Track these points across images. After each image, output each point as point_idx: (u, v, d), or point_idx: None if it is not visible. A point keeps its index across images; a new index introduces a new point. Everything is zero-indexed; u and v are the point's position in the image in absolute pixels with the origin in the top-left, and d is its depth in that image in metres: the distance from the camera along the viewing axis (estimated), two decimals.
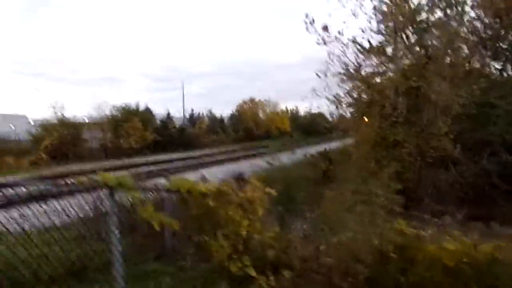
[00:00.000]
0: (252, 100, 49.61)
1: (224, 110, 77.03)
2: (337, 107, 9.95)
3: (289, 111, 53.16)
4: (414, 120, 9.81)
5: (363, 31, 9.66)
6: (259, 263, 3.97)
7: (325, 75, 9.76)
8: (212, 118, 47.16)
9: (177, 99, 64.23)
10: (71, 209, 5.07)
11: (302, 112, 51.63)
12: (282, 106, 52.96)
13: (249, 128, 45.47)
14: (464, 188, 8.79)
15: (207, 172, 14.29)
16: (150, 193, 4.24)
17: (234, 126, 46.47)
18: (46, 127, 26.59)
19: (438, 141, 9.39)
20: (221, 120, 48.52)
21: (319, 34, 9.54)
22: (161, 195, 5.27)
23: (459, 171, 9.26)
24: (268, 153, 11.90)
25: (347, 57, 9.66)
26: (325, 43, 9.47)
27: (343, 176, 9.39)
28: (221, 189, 3.71)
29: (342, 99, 9.79)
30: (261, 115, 49.83)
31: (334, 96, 9.58)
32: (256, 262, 3.97)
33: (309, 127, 50.68)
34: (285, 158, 12.10)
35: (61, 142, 24.91)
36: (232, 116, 49.53)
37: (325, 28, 9.52)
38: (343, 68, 9.64)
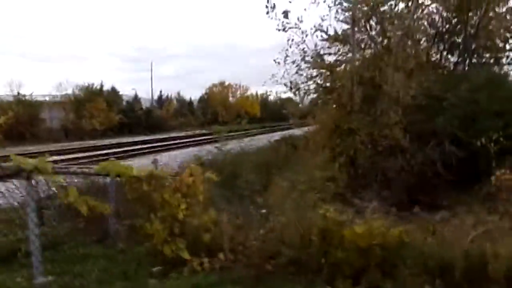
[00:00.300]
0: (222, 84, 49.17)
1: (196, 93, 76.02)
2: (295, 94, 10.11)
3: (259, 96, 53.13)
4: (368, 109, 10.15)
5: (322, 19, 9.78)
6: (195, 246, 4.09)
7: (284, 62, 9.85)
8: (181, 100, 46.39)
9: (148, 81, 62.60)
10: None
11: (272, 97, 51.76)
12: (254, 91, 52.90)
13: (218, 112, 45.16)
14: (409, 175, 9.26)
15: (168, 155, 14.20)
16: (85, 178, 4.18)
17: (203, 109, 45.99)
18: (1, 105, 25.25)
19: (390, 131, 9.78)
20: (190, 102, 47.79)
21: (279, 20, 9.58)
22: (105, 181, 5.25)
23: (407, 160, 9.71)
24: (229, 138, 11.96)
25: (306, 45, 9.78)
26: (284, 29, 9.53)
27: (295, 163, 9.65)
28: (154, 173, 3.75)
29: (301, 86, 9.95)
30: (231, 99, 49.55)
31: (291, 82, 9.73)
32: (193, 245, 4.09)
33: (279, 112, 50.96)
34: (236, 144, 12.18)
35: (17, 121, 23.77)
36: (201, 99, 48.93)
37: (285, 15, 9.55)
38: (301, 55, 9.77)
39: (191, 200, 4.30)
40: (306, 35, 9.61)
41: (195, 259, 3.86)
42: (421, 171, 9.75)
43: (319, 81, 10.94)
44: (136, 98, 41.10)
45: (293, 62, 9.84)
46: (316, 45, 9.84)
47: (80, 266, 3.56)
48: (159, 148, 18.22)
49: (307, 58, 9.94)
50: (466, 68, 14.12)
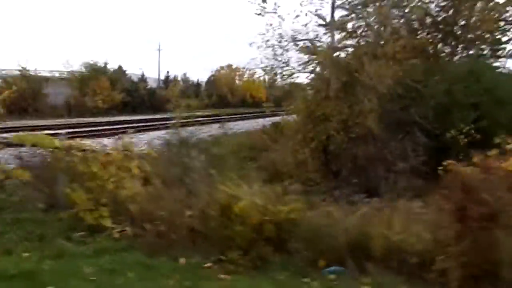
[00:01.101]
0: (229, 66, 49.10)
1: (206, 74, 76.19)
2: (271, 78, 10.20)
3: (266, 80, 52.91)
4: (344, 96, 10.20)
5: (301, 4, 9.77)
6: (122, 216, 4.38)
7: (264, 46, 9.94)
8: (187, 81, 46.60)
9: (164, 61, 63.01)
10: None
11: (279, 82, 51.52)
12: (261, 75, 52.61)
13: (223, 95, 45.25)
14: (379, 164, 9.35)
15: (155, 134, 14.52)
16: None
17: (208, 92, 46.10)
18: (6, 79, 25.83)
19: (364, 118, 9.83)
20: (197, 84, 47.95)
21: (258, 4, 9.61)
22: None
23: (379, 148, 9.79)
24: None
25: (283, 30, 9.83)
26: (261, 14, 9.57)
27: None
28: (72, 145, 4.00)
29: (277, 71, 10.05)
30: (237, 82, 49.49)
31: (266, 67, 9.83)
32: (119, 215, 4.38)
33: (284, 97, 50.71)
34: None
35: (21, 96, 24.34)
36: (208, 81, 49.04)
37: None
38: (278, 40, 9.83)
39: (124, 174, 4.56)
40: (283, 20, 9.64)
41: (117, 227, 4.15)
42: (392, 160, 9.86)
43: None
44: (142, 78, 41.46)
45: (271, 46, 9.90)
46: (294, 30, 9.88)
47: (1, 227, 3.88)
48: (150, 127, 18.62)
49: (283, 43, 9.99)
50: (461, 60, 13.90)
